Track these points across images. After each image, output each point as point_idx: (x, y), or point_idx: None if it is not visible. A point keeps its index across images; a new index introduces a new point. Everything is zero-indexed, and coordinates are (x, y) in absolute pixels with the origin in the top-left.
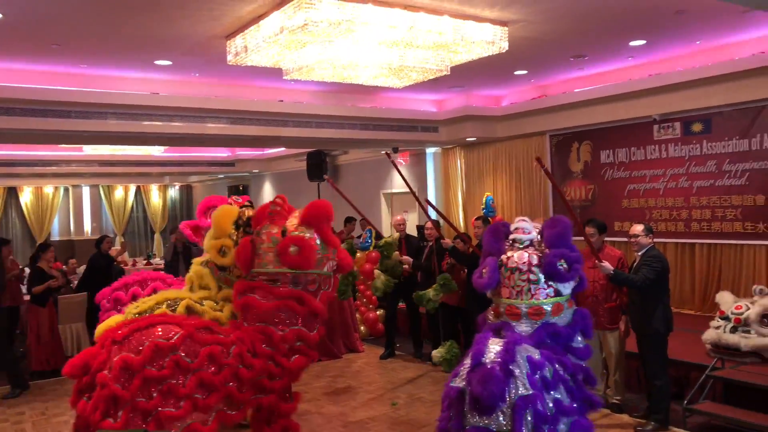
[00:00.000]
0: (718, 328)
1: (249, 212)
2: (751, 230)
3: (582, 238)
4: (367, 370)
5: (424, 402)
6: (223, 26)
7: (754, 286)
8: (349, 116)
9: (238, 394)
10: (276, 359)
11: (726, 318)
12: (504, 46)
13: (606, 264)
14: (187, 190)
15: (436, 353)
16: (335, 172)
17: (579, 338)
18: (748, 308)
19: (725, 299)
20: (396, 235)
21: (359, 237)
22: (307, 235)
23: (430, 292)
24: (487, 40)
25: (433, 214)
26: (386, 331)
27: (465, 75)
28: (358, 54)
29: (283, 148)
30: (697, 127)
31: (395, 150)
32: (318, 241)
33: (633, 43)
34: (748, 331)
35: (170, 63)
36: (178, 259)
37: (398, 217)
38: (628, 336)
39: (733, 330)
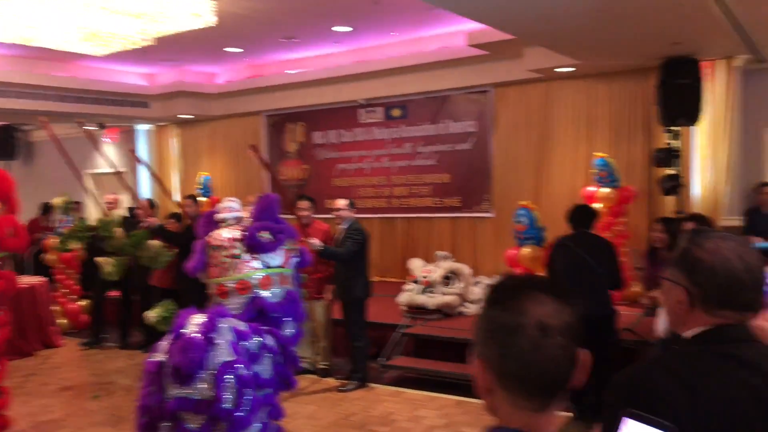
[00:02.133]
0: (410, 290)
1: None
2: (439, 205)
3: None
4: (67, 366)
5: (130, 390)
6: None
7: (438, 252)
8: (42, 85)
9: None
10: None
11: (416, 281)
12: (211, 19)
13: (314, 240)
14: None
15: (152, 314)
16: (29, 150)
17: (290, 324)
18: (434, 271)
19: (416, 265)
20: (115, 213)
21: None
22: None
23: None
24: (193, 11)
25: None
26: (92, 320)
27: (175, 48)
28: (44, 13)
29: None
30: (396, 112)
31: (101, 126)
32: None
33: (338, 29)
34: (433, 292)
35: None
36: None
37: (110, 196)
38: (334, 304)
39: (422, 291)
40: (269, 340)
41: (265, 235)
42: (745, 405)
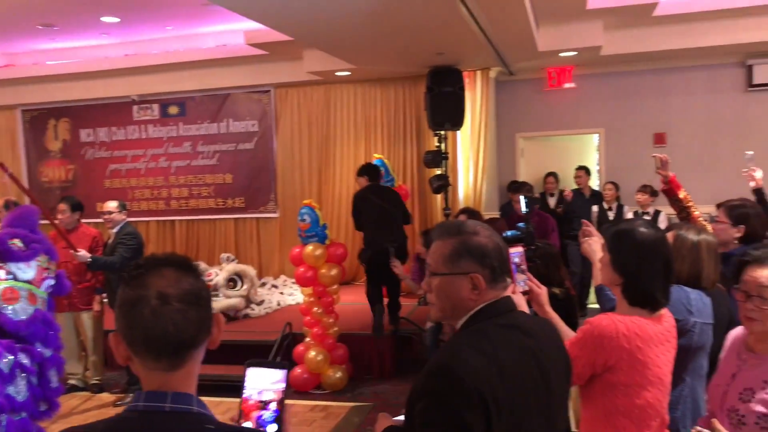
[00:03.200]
0: None
1: None
2: (222, 206)
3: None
4: None
5: None
6: None
7: (222, 254)
8: None
9: None
10: None
11: None
12: None
13: (82, 252)
14: None
15: None
16: None
17: (39, 347)
18: (218, 274)
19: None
20: None
21: None
22: None
23: None
24: None
25: None
26: None
27: None
28: None
29: None
30: (173, 110)
31: None
32: None
33: (105, 19)
34: (217, 295)
35: None
36: None
37: None
38: (104, 314)
39: None
40: (24, 359)
41: (17, 243)
42: (530, 366)
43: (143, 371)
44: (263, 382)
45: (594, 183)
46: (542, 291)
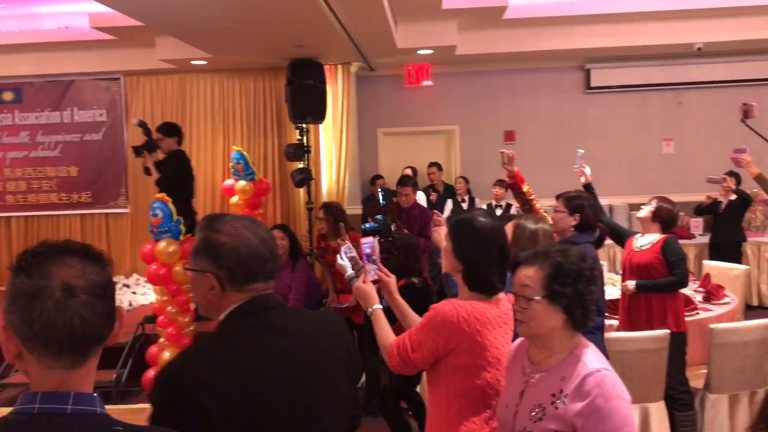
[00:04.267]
0: None
1: None
2: (66, 201)
3: None
4: None
5: None
6: None
7: None
8: None
9: None
10: None
11: None
12: None
13: None
14: None
15: None
16: None
17: None
18: None
19: None
20: None
21: None
22: None
23: None
24: None
25: None
26: None
27: None
28: None
29: None
30: (7, 96)
31: None
32: None
33: None
34: None
35: None
36: None
37: None
38: None
39: None
40: None
41: None
42: (279, 364)
43: (38, 369)
44: None
45: (452, 178)
46: (391, 280)
